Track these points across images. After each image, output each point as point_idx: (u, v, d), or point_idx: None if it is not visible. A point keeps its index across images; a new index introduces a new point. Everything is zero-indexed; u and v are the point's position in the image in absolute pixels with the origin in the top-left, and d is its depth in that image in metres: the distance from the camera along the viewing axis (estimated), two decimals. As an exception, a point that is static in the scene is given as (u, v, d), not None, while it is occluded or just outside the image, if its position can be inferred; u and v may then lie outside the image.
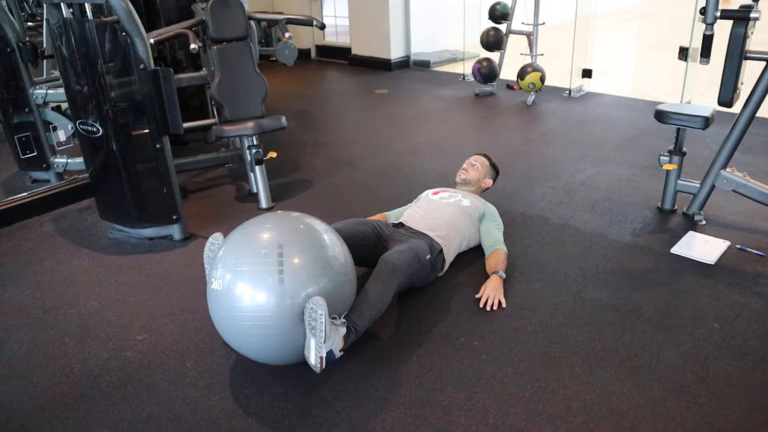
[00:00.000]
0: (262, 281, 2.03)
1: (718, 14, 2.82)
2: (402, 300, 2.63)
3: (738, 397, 2.03)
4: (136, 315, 2.61)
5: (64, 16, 2.86)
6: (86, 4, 2.81)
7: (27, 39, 3.63)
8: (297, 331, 2.05)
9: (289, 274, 2.04)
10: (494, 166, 3.30)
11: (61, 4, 2.82)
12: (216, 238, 2.33)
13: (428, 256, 2.60)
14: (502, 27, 5.91)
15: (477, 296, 2.60)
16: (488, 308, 2.54)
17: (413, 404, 2.05)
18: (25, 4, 5.43)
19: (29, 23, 5.29)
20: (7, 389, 2.20)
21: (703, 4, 2.85)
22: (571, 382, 2.12)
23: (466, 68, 6.74)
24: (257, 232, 2.20)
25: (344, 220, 2.78)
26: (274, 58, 4.06)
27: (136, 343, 2.42)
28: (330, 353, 2.07)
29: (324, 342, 2.02)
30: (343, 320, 2.16)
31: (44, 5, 3.51)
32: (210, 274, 2.17)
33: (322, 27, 4.22)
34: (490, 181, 3.27)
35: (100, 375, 2.25)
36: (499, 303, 2.56)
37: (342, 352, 2.13)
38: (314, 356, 2.03)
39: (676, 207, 3.37)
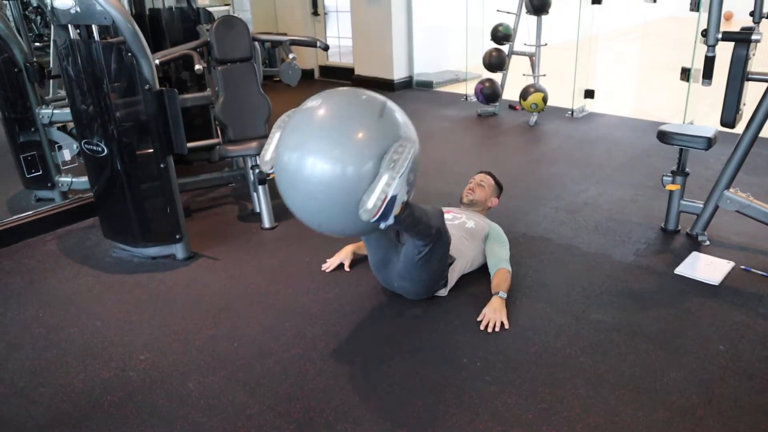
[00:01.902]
0: (361, 113, 2.09)
1: (720, 36, 2.84)
2: (404, 319, 2.63)
3: (745, 421, 2.01)
4: (139, 334, 2.60)
5: (72, 37, 2.89)
6: (93, 26, 2.85)
7: (34, 59, 3.66)
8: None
9: (388, 115, 2.11)
10: (499, 184, 3.29)
11: (69, 25, 2.86)
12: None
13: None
14: (505, 48, 5.95)
15: (478, 319, 2.59)
16: (489, 330, 2.52)
17: (416, 426, 2.03)
18: (32, 24, 5.49)
19: (37, 44, 5.35)
20: (8, 408, 2.20)
21: (705, 26, 2.87)
22: (575, 404, 2.11)
23: (468, 89, 6.78)
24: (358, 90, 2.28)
25: None
26: (277, 79, 4.09)
27: (138, 362, 2.41)
28: (392, 200, 2.01)
29: (399, 176, 1.98)
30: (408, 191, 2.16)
31: (52, 26, 3.55)
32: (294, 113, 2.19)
33: (326, 48, 4.25)
34: (496, 200, 3.26)
35: (102, 394, 2.24)
36: (502, 324, 2.55)
37: (392, 221, 2.10)
38: (377, 196, 1.98)
39: (679, 227, 3.37)
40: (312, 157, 2.02)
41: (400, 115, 2.19)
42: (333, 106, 2.14)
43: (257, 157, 3.57)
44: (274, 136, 2.21)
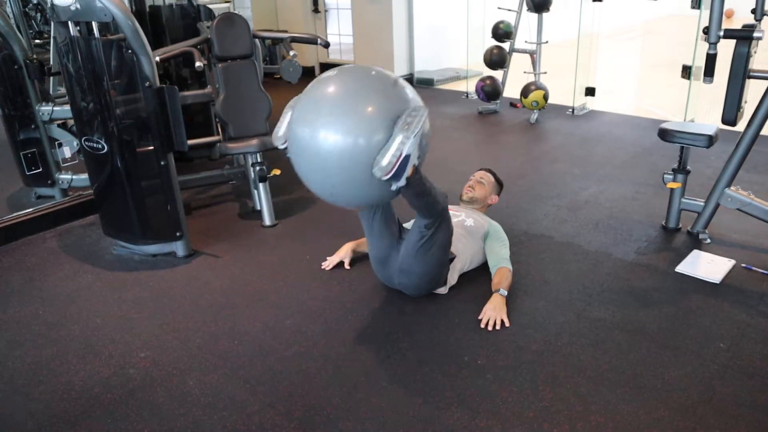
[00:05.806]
0: (371, 86, 2.15)
1: (721, 34, 2.84)
2: (404, 317, 2.62)
3: (745, 419, 2.01)
4: (139, 332, 2.60)
5: (72, 33, 2.88)
6: (93, 22, 2.84)
7: (34, 56, 3.66)
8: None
9: (400, 87, 2.19)
10: (499, 181, 3.28)
11: (69, 22, 2.85)
12: None
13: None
14: (506, 45, 5.95)
15: (479, 317, 2.59)
16: (489, 328, 2.52)
17: (417, 424, 2.03)
18: (32, 21, 5.48)
19: (37, 41, 5.34)
20: (8, 406, 2.19)
21: (706, 24, 2.86)
22: (575, 402, 2.10)
23: (469, 86, 6.77)
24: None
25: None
26: (278, 76, 4.09)
27: (138, 360, 2.41)
28: (406, 159, 2.07)
29: (414, 136, 2.05)
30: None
31: (52, 23, 3.54)
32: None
33: (327, 45, 4.25)
34: (496, 198, 3.25)
35: (102, 392, 2.24)
36: (502, 322, 2.55)
37: (404, 182, 2.15)
38: (392, 154, 2.04)
39: (680, 225, 3.36)
40: (324, 130, 2.09)
41: (410, 90, 2.26)
42: (344, 80, 2.21)
43: (258, 155, 3.57)
44: (287, 115, 2.28)
